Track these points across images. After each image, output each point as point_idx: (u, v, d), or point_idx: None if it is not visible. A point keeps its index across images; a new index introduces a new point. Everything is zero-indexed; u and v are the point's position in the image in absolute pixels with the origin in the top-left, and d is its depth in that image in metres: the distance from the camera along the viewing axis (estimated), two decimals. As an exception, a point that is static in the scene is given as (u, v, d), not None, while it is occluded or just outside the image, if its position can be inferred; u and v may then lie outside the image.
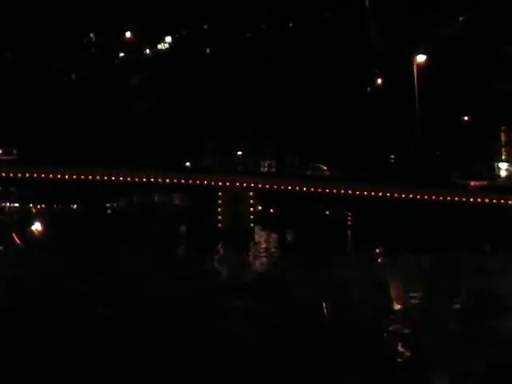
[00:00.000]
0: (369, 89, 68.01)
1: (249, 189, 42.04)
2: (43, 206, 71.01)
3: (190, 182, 41.93)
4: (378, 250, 41.92)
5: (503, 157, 65.61)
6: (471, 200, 45.32)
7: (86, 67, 61.68)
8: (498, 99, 64.33)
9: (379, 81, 66.49)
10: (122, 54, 68.18)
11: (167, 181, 43.63)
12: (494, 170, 64.85)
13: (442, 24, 65.19)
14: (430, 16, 64.91)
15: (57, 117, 55.47)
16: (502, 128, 65.52)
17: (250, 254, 36.81)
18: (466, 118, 64.23)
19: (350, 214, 55.57)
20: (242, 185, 42.24)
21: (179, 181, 42.11)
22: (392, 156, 57.06)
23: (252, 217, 42.68)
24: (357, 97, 58.67)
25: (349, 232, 55.10)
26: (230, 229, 41.64)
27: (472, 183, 59.65)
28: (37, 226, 59.14)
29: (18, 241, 42.46)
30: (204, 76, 66.75)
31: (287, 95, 63.70)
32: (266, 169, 70.75)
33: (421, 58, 52.25)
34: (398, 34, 61.22)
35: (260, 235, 47.05)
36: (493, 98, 64.32)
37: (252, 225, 43.01)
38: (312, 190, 42.85)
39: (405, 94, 54.60)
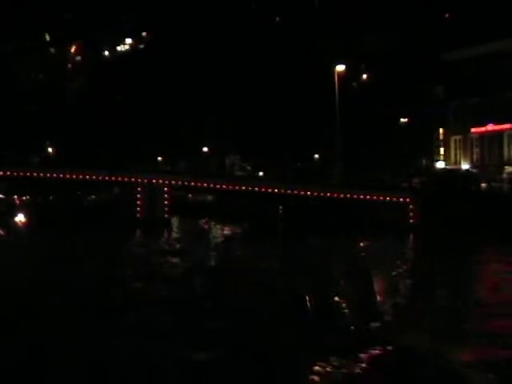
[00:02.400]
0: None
1: (163, 184, 48.70)
2: (27, 197, 78.42)
3: (113, 178, 48.69)
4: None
5: (441, 156, 70.74)
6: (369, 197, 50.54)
7: (41, 68, 67.69)
8: (436, 102, 69.54)
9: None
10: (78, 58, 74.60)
11: (106, 178, 50.17)
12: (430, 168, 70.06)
13: (384, 33, 70.25)
14: (371, 25, 70.04)
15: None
16: (440, 129, 70.73)
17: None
18: (404, 119, 69.49)
19: (281, 208, 61.80)
20: (157, 181, 48.90)
21: (104, 177, 48.74)
22: (316, 155, 62.85)
23: (166, 208, 49.23)
24: (294, 102, 64.26)
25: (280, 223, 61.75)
26: (146, 218, 48.49)
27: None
28: (20, 218, 66.13)
29: (1, 232, 48.90)
30: (165, 78, 72.84)
31: (240, 97, 69.47)
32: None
33: (340, 68, 57.55)
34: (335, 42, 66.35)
35: (183, 224, 54.02)
36: (431, 101, 69.55)
37: (166, 215, 49.55)
38: (224, 187, 49.39)
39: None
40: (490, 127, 66.28)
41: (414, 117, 68.46)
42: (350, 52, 65.11)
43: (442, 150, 69.71)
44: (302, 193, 51.31)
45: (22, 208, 71.00)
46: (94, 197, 77.93)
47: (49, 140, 65.92)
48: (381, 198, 47.49)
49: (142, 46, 76.74)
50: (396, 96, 66.82)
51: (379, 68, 67.49)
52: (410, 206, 46.80)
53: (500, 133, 66.02)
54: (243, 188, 49.89)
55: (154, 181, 48.51)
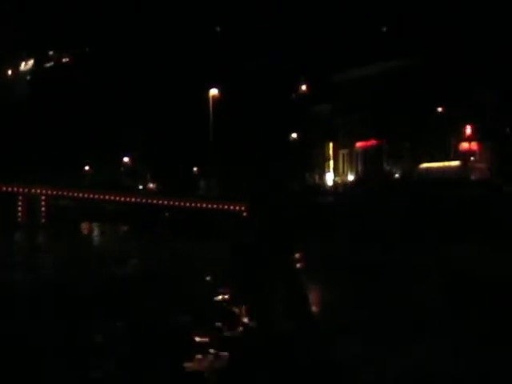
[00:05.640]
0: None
1: (41, 194, 56.44)
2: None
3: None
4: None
5: (330, 168, 77.43)
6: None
7: None
8: (324, 118, 76.33)
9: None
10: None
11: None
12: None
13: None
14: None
15: None
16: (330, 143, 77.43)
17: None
18: (294, 135, 76.31)
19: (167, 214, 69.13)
20: (36, 191, 56.61)
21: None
22: (195, 168, 70.25)
23: (43, 214, 56.85)
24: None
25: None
26: (26, 222, 56.19)
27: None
28: None
29: None
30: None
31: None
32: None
33: (214, 91, 64.62)
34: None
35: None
36: (320, 117, 76.36)
37: (43, 220, 57.15)
38: (102, 197, 57.66)
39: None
40: (372, 142, 73.11)
41: (303, 133, 75.12)
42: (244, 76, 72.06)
43: (331, 163, 76.52)
44: (171, 203, 58.58)
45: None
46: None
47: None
48: (220, 206, 54.68)
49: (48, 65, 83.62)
50: (285, 114, 73.70)
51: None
52: (244, 214, 53.85)
53: (380, 146, 72.87)
54: (120, 199, 57.69)
55: (32, 190, 56.32)
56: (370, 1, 70.04)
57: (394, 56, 69.02)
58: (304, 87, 78.71)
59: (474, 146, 66.89)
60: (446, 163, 68.38)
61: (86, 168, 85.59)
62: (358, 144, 74.18)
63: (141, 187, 79.21)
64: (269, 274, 27.04)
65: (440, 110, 67.06)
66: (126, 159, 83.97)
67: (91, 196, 56.65)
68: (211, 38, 76.67)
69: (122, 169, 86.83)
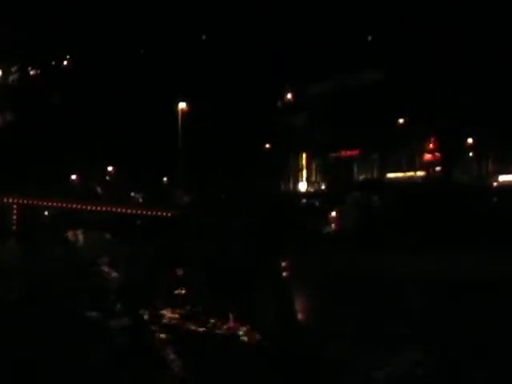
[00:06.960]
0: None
1: (12, 202, 59.46)
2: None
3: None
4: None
5: (303, 177, 79.61)
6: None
7: None
8: (298, 130, 78.42)
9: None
10: None
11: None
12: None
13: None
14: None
15: None
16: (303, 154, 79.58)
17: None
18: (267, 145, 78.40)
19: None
20: (8, 200, 59.63)
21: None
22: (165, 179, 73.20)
23: (14, 222, 59.74)
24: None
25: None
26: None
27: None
28: None
29: None
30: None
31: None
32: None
33: (182, 105, 67.16)
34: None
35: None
36: (293, 129, 78.46)
37: (14, 227, 60.05)
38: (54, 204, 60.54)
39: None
40: (344, 152, 75.33)
41: (277, 143, 77.16)
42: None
43: (304, 173, 78.70)
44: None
45: None
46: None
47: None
48: (149, 212, 57.55)
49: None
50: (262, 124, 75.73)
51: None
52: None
53: (351, 157, 75.11)
54: (88, 207, 60.50)
55: (4, 200, 59.35)
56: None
57: (367, 68, 70.86)
58: (289, 96, 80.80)
59: (437, 157, 69.26)
60: (411, 173, 70.88)
61: (73, 177, 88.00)
62: (331, 154, 76.38)
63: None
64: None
65: (407, 121, 69.22)
66: (109, 168, 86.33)
67: (60, 205, 59.34)
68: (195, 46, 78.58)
69: (108, 178, 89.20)
